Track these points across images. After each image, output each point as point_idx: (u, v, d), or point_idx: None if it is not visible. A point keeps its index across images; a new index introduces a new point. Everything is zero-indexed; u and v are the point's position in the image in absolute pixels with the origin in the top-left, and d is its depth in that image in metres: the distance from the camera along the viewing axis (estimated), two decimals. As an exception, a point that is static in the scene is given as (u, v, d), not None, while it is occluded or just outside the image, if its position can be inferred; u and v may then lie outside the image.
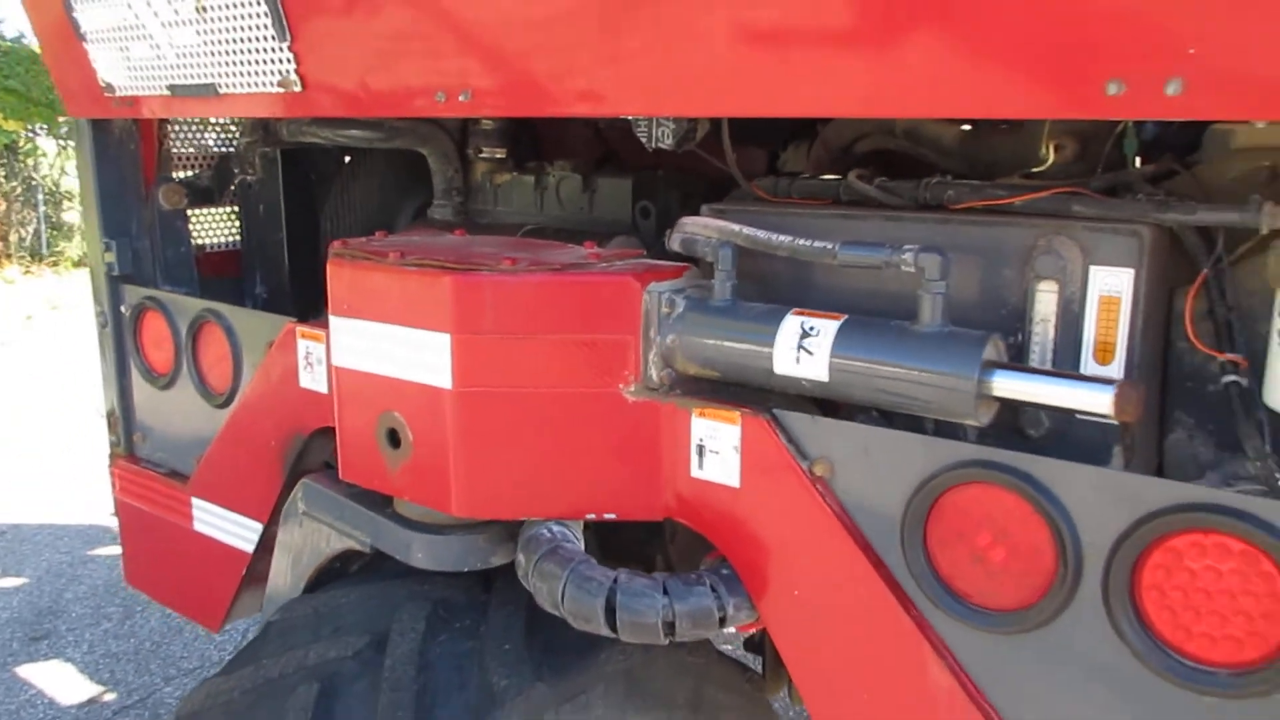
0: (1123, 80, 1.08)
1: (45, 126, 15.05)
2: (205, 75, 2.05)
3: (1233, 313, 1.35)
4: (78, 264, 14.31)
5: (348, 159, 2.76)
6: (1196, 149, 1.47)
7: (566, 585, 1.51)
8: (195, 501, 2.46)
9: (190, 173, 2.66)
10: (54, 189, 15.51)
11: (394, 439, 1.68)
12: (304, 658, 1.71)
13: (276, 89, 1.93)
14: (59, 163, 15.82)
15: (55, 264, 14.23)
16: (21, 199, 15.30)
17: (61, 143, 15.85)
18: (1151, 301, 1.34)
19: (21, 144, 15.03)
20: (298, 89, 1.90)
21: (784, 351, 1.44)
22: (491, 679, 1.61)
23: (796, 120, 2.20)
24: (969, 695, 1.37)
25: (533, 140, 2.75)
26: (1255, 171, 1.36)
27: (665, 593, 1.50)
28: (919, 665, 1.40)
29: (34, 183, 15.26)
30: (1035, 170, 1.55)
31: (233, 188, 2.69)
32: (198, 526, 2.47)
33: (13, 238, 14.88)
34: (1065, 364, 1.39)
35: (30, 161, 15.36)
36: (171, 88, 2.13)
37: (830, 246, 1.43)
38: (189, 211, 2.67)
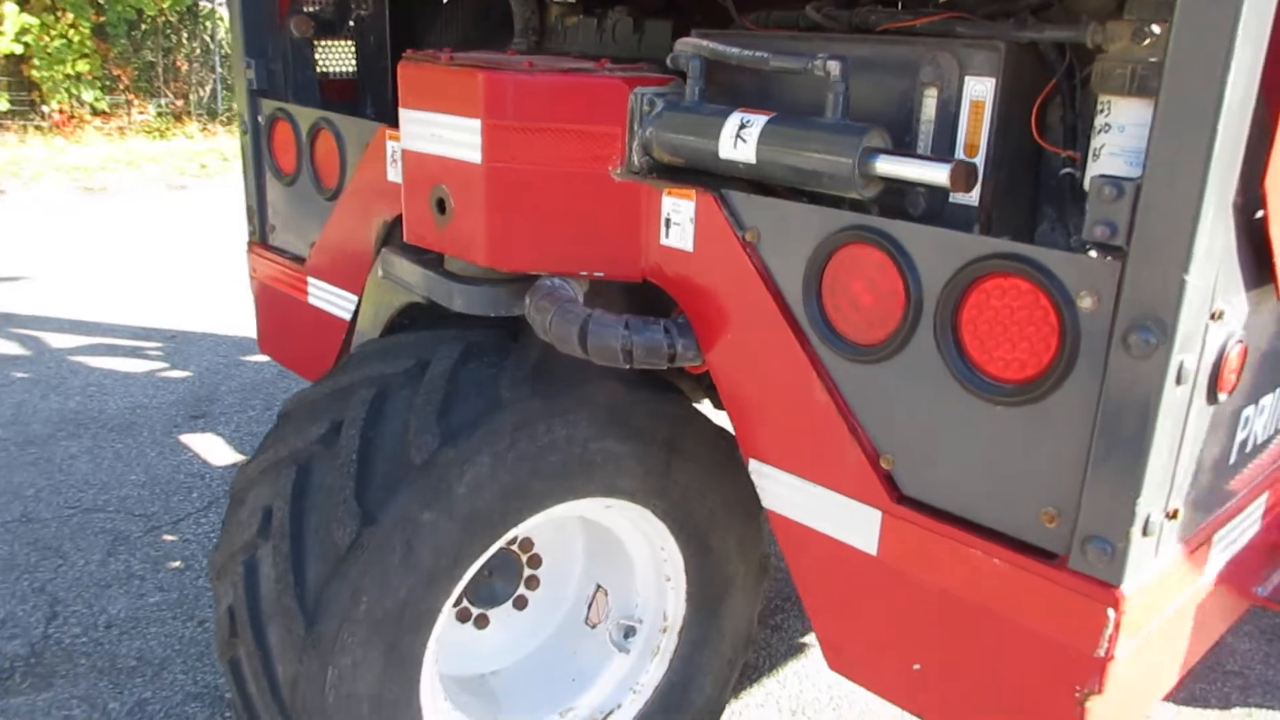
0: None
1: (224, -9, 16.07)
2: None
3: (1079, 118, 1.66)
4: (249, 123, 15.41)
5: (445, 1, 3.21)
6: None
7: (554, 316, 1.98)
8: (310, 280, 3.03)
9: (317, 7, 3.16)
10: (230, 52, 16.61)
11: (441, 206, 2.15)
12: (368, 373, 2.23)
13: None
14: (236, 27, 16.85)
15: (228, 122, 15.37)
16: (200, 61, 16.49)
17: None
18: (1009, 105, 1.66)
19: (201, 9, 16.09)
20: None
21: (726, 139, 1.83)
22: (501, 393, 2.10)
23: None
24: (839, 409, 1.78)
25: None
26: (1108, 2, 1.64)
27: (627, 328, 1.94)
28: (809, 388, 1.81)
29: (211, 46, 16.37)
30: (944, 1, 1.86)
31: (350, 22, 3.18)
32: (311, 300, 3.05)
33: (192, 98, 16.12)
34: (944, 154, 1.73)
35: (209, 25, 16.45)
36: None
37: (765, 56, 1.80)
38: (315, 41, 3.17)
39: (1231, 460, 1.72)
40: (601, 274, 2.07)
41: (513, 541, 2.38)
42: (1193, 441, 1.53)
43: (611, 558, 2.53)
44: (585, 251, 2.06)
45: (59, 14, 13.55)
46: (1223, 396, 1.56)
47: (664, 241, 1.99)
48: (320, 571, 1.96)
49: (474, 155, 2.03)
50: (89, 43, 13.87)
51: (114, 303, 6.60)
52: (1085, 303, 1.44)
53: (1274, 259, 1.50)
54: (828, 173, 1.70)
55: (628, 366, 1.97)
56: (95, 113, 14.39)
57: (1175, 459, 1.50)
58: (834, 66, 1.70)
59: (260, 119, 3.09)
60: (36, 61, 13.41)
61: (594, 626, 2.60)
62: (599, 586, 2.61)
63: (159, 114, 15.30)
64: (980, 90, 1.66)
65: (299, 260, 3.09)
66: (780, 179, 1.79)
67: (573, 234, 2.06)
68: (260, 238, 3.27)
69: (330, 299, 2.95)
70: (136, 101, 15.21)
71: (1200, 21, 1.26)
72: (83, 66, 13.81)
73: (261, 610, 2.02)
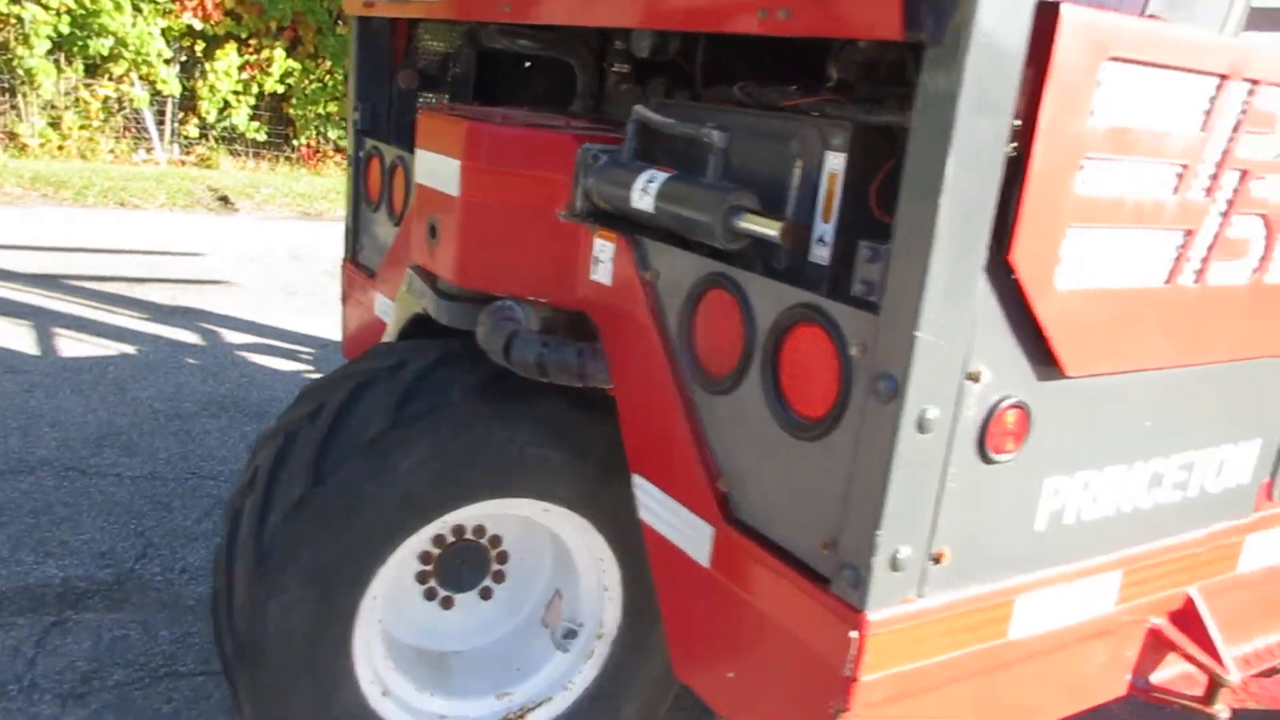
0: (765, 9, 1.65)
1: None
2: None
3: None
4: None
5: (528, 64, 3.63)
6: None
7: (489, 328, 2.29)
8: (376, 293, 3.49)
9: (423, 64, 3.66)
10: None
11: (433, 231, 2.53)
12: (361, 367, 2.61)
13: None
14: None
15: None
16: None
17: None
18: (856, 178, 1.84)
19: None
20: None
21: (636, 191, 2.10)
22: (452, 393, 2.42)
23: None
24: (695, 434, 1.99)
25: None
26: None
27: (544, 345, 2.23)
28: (677, 413, 2.04)
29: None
30: (830, 85, 2.06)
31: (449, 79, 3.66)
32: (376, 310, 3.50)
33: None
34: (805, 219, 1.93)
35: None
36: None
37: (672, 122, 2.07)
38: (418, 92, 3.67)
39: (1039, 528, 1.81)
40: (546, 300, 2.38)
41: (481, 534, 2.67)
42: (962, 495, 1.65)
43: (566, 566, 2.79)
44: (535, 279, 2.38)
45: (319, 60, 15.27)
46: (1002, 457, 1.68)
47: (593, 276, 2.27)
48: (276, 520, 2.33)
49: (454, 190, 2.40)
50: (341, 87, 15.52)
51: (288, 310, 7.43)
52: (854, 351, 1.62)
53: (1042, 331, 1.62)
54: (700, 223, 1.94)
55: (544, 379, 2.25)
56: (337, 149, 16.04)
57: (935, 506, 1.63)
58: (716, 135, 1.95)
59: (360, 154, 3.61)
60: (294, 101, 15.14)
61: (547, 626, 2.86)
62: (557, 591, 2.86)
63: (389, 155, 16.85)
64: (835, 164, 1.86)
65: (372, 276, 3.55)
66: (671, 227, 2.05)
67: (525, 263, 2.38)
68: (351, 256, 3.77)
69: (385, 309, 3.39)
70: (372, 143, 16.83)
71: (928, 117, 1.45)
72: (332, 108, 15.46)
73: (236, 548, 2.42)
